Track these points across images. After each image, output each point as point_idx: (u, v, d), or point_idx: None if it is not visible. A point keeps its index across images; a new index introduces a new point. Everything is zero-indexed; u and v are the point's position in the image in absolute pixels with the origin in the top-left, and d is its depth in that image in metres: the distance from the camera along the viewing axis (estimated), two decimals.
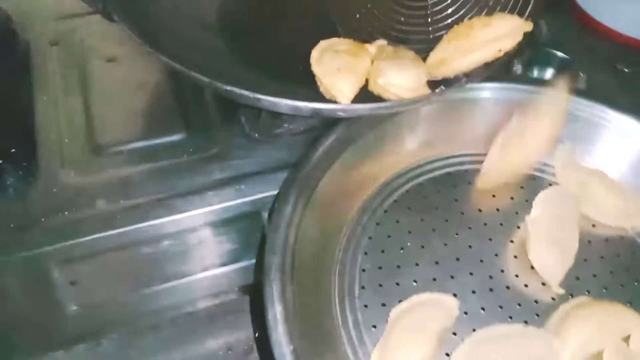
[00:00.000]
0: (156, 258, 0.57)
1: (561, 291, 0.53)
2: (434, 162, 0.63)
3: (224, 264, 0.61)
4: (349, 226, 0.57)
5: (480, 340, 0.49)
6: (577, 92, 0.62)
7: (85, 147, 0.58)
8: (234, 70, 0.57)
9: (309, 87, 0.55)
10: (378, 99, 0.53)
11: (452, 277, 0.54)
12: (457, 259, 0.56)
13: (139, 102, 0.64)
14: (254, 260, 0.61)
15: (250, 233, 0.60)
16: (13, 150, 0.58)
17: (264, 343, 0.45)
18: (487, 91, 0.62)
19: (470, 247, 0.57)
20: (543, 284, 0.54)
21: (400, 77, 0.53)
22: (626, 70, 0.73)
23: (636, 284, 0.55)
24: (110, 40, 0.70)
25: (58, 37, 0.69)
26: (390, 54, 0.57)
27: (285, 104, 0.49)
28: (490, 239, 0.58)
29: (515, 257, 0.56)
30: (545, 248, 0.54)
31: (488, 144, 0.64)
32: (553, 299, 0.54)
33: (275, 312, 0.44)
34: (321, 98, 0.50)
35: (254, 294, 0.62)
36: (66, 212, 0.52)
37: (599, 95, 0.62)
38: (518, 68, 0.74)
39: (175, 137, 0.60)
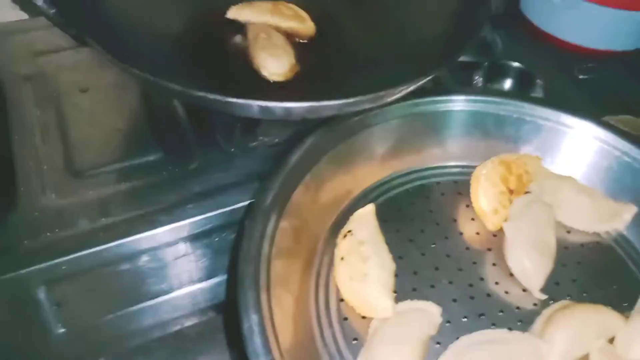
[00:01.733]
0: (140, 275, 0.56)
1: (542, 296, 0.52)
2: (406, 174, 0.62)
3: (209, 278, 0.60)
4: (325, 238, 0.55)
5: (465, 346, 0.47)
6: (538, 101, 0.63)
7: (64, 172, 0.58)
8: (203, 82, 0.57)
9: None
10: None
11: (431, 286, 0.53)
12: (436, 269, 0.54)
13: (115, 127, 0.64)
14: None
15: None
16: None
17: None
18: (454, 103, 0.63)
19: (448, 256, 0.56)
20: (524, 290, 0.53)
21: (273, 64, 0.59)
22: (580, 77, 0.76)
23: (615, 287, 0.54)
24: (83, 72, 0.70)
25: (31, 73, 0.70)
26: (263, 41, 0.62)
27: (257, 105, 0.48)
28: (467, 248, 0.57)
29: (494, 264, 0.55)
30: (524, 254, 0.53)
31: (457, 156, 0.64)
32: (535, 304, 0.52)
33: (251, 323, 0.42)
34: (291, 99, 0.50)
35: (227, 312, 0.59)
36: (48, 233, 0.52)
37: (557, 101, 0.64)
38: (478, 81, 0.76)
39: (152, 157, 0.61)
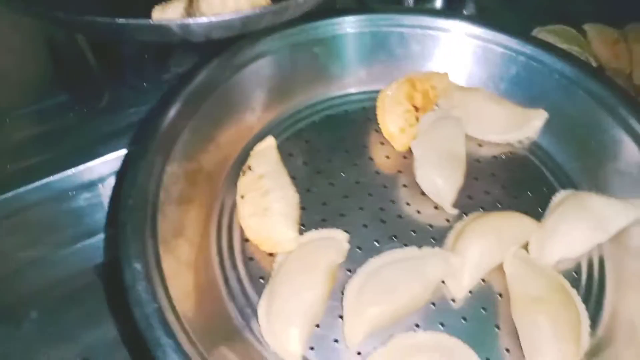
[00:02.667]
0: (57, 220, 0.53)
1: (454, 211, 0.51)
2: (311, 106, 0.59)
3: None
4: (227, 179, 0.52)
5: (374, 268, 0.45)
6: (440, 14, 0.60)
7: None
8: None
9: None
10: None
11: (341, 214, 0.51)
12: (346, 197, 0.52)
13: (14, 71, 0.61)
14: None
15: None
16: None
17: None
18: (350, 25, 0.59)
19: (357, 182, 0.53)
20: (436, 207, 0.52)
21: None
22: None
23: (529, 194, 0.53)
24: None
25: None
26: None
27: (150, 25, 0.45)
28: (377, 172, 0.54)
29: (405, 185, 0.53)
30: (433, 170, 0.52)
31: (364, 82, 0.61)
32: (447, 220, 0.51)
33: (133, 272, 0.38)
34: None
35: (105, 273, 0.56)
36: None
37: (456, 13, 0.61)
38: (408, 1, 0.72)
39: (58, 98, 0.58)
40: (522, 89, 0.58)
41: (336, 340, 0.43)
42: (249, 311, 0.44)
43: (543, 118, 0.57)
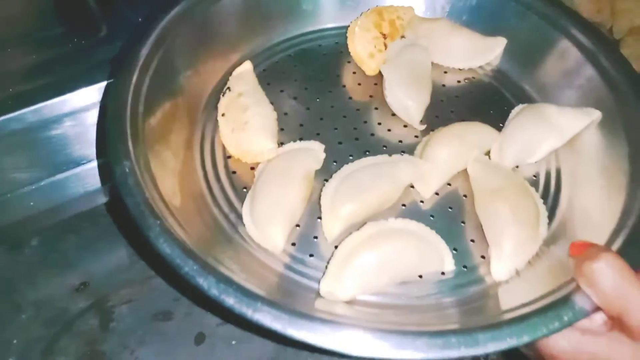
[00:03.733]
0: (56, 141, 0.54)
1: (422, 127, 0.54)
2: (286, 41, 0.62)
3: None
4: (208, 103, 0.55)
5: (348, 172, 0.48)
6: None
7: None
8: None
9: None
10: None
11: (317, 134, 0.54)
12: (321, 119, 0.55)
13: (15, 4, 0.64)
14: None
15: None
16: None
17: None
18: None
19: (332, 107, 0.57)
20: (405, 126, 0.55)
21: None
22: None
23: (491, 112, 0.57)
24: None
25: None
26: None
27: None
28: (350, 98, 0.58)
29: (376, 108, 0.57)
30: (401, 91, 0.55)
31: (336, 18, 0.64)
32: (416, 136, 0.54)
33: (124, 167, 0.41)
34: None
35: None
36: None
37: None
38: None
39: (57, 30, 0.61)
40: (482, 19, 0.62)
41: (316, 237, 0.47)
42: (234, 217, 0.47)
43: (502, 44, 0.61)
